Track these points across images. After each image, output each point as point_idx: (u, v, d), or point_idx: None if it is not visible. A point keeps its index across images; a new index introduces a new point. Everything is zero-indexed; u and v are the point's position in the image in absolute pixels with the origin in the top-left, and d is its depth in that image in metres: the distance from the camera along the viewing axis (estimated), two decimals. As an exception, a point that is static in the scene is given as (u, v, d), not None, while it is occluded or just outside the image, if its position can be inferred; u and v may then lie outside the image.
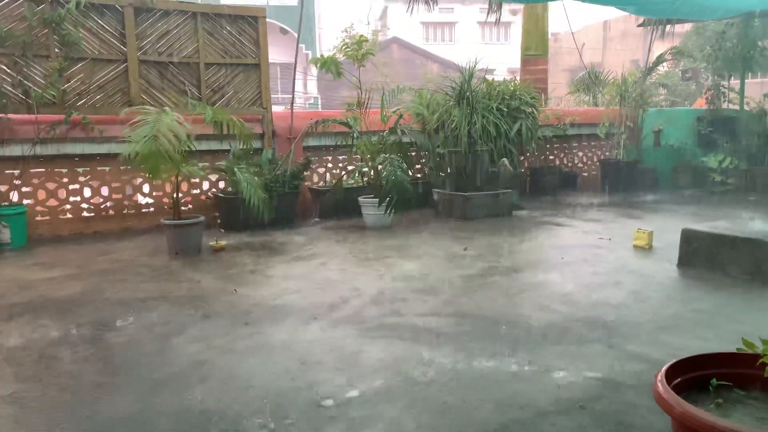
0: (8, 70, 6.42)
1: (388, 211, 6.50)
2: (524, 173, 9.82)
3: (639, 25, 12.32)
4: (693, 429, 1.69)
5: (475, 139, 7.62)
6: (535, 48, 11.07)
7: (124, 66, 6.93)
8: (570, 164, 10.93)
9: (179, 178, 6.10)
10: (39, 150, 6.63)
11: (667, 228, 6.34)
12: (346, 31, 21.52)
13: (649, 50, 11.95)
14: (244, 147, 6.93)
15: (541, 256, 5.73)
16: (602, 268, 5.10)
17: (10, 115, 6.43)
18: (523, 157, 9.76)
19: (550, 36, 11.72)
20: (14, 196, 6.67)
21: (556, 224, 7.22)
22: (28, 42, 6.42)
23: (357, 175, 7.83)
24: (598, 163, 10.91)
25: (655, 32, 10.87)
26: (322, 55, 7.91)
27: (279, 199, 7.05)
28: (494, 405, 2.71)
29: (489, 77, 9.07)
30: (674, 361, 2.02)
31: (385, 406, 2.72)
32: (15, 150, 6.53)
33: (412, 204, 7.36)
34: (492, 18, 8.76)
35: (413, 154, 8.61)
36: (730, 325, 3.70)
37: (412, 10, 9.50)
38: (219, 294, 4.55)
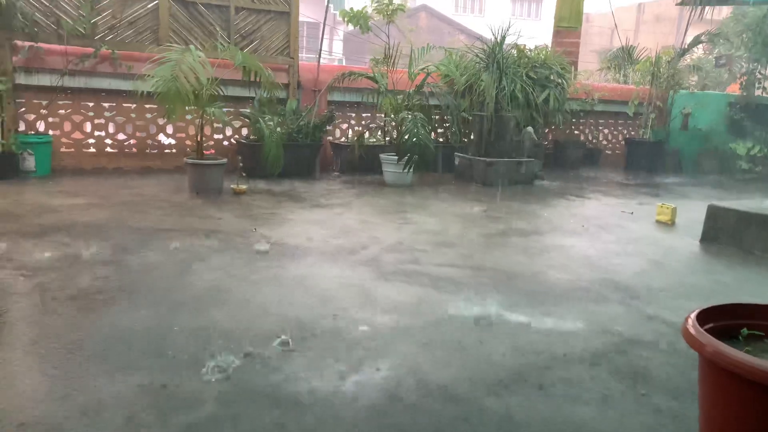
0: (42, 0, 6.39)
1: (407, 169, 6.46)
2: (548, 144, 9.70)
3: (678, 4, 11.96)
4: (724, 369, 1.67)
5: (501, 105, 7.51)
6: (569, 20, 10.79)
7: (155, 3, 6.88)
8: (594, 140, 10.77)
9: (203, 120, 6.09)
10: (67, 81, 6.63)
11: (690, 208, 6.25)
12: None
13: (685, 33, 11.62)
14: (269, 95, 6.88)
15: (561, 223, 5.68)
16: (624, 238, 5.06)
17: (41, 44, 6.42)
18: (548, 129, 9.63)
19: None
20: (41, 126, 6.70)
21: (577, 196, 7.15)
22: (62, -30, 6.37)
23: (379, 132, 7.77)
24: (623, 142, 10.74)
25: (693, 13, 10.56)
26: (351, 8, 7.78)
27: (301, 150, 7.02)
28: (509, 349, 2.71)
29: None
30: (706, 306, 1.99)
31: (401, 341, 2.73)
32: (44, 80, 6.54)
33: (433, 166, 7.31)
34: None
35: (437, 117, 8.52)
36: (752, 299, 3.65)
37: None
38: (239, 231, 4.57)
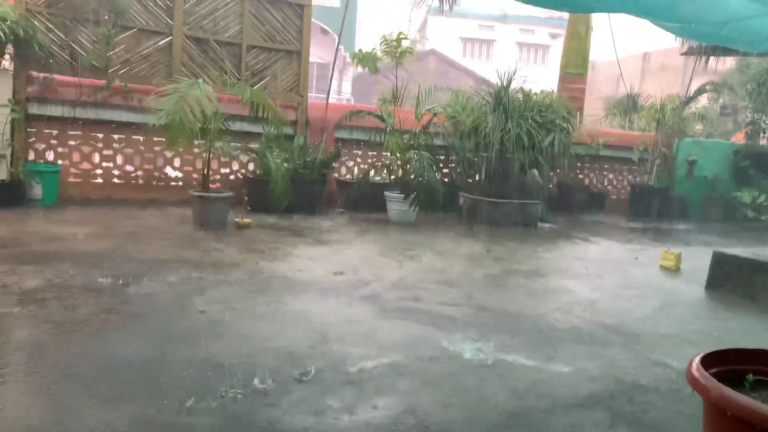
0: (57, 32, 6.56)
1: (412, 207, 6.47)
2: (552, 187, 9.73)
3: (683, 54, 12.16)
4: (729, 414, 1.63)
5: (507, 147, 7.56)
6: (575, 66, 10.98)
7: (168, 39, 7.05)
8: (599, 185, 10.80)
9: (210, 154, 6.15)
10: (79, 113, 6.74)
11: (695, 254, 6.20)
12: (385, 37, 21.66)
13: (690, 82, 11.80)
14: (277, 131, 6.96)
15: (565, 266, 5.64)
16: (628, 283, 5.00)
17: (55, 75, 6.55)
18: (552, 173, 9.67)
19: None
20: (50, 155, 6.78)
21: (581, 239, 7.12)
22: (80, 6, 6.55)
23: (385, 171, 7.82)
24: (628, 187, 10.76)
25: (697, 63, 10.72)
26: (360, 50, 7.94)
27: (306, 186, 7.06)
28: (510, 391, 2.65)
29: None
30: (711, 350, 1.95)
31: (400, 379, 2.68)
32: (56, 110, 6.65)
33: (438, 205, 7.32)
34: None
35: (442, 157, 8.58)
36: (758, 345, 3.58)
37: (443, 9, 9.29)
38: (241, 264, 4.56)
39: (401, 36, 7.84)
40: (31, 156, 6.64)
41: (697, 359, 1.89)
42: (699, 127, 14.00)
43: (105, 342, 2.84)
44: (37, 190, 6.33)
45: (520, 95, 8.08)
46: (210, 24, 7.24)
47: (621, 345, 3.38)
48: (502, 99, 7.49)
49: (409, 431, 2.22)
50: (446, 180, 8.91)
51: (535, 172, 7.87)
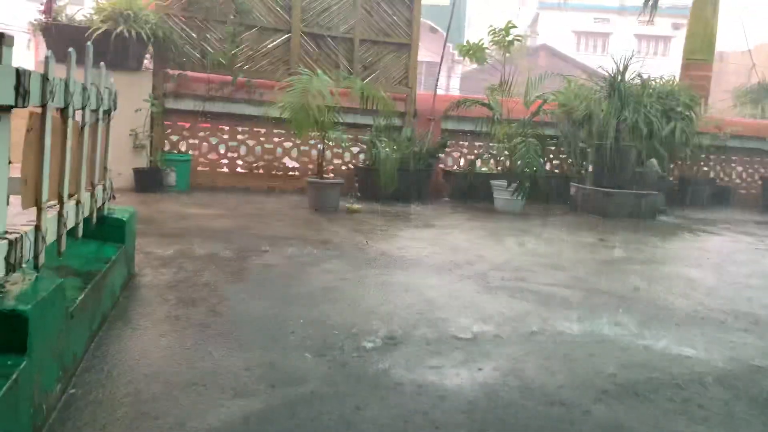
0: (190, 32, 7.19)
1: (516, 195, 6.41)
2: (673, 180, 9.17)
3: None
4: None
5: (622, 135, 7.25)
6: (700, 52, 10.26)
7: (287, 36, 7.49)
8: (726, 178, 10.01)
9: (324, 144, 6.47)
10: (207, 106, 7.34)
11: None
12: (493, 27, 21.41)
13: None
14: (386, 123, 7.17)
15: (685, 255, 5.33)
16: (755, 271, 4.65)
17: (188, 72, 7.19)
18: (673, 164, 9.11)
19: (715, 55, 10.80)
20: (183, 146, 7.45)
21: (704, 231, 6.68)
22: (211, 8, 7.14)
23: (491, 161, 7.79)
24: (759, 180, 9.89)
25: None
26: (468, 41, 7.96)
27: (413, 175, 7.21)
28: (621, 365, 2.59)
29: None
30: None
31: (506, 347, 2.71)
32: (188, 104, 7.30)
33: (546, 194, 7.18)
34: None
35: (553, 147, 8.40)
36: None
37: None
38: (351, 242, 4.78)
39: (510, 25, 7.76)
40: (167, 146, 7.33)
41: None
42: None
43: (233, 301, 3.13)
44: (171, 178, 6.98)
45: (637, 80, 7.71)
46: (325, 20, 7.60)
47: (744, 330, 3.18)
48: (618, 85, 7.19)
49: (513, 392, 2.26)
50: (557, 171, 8.70)
51: (654, 161, 7.48)
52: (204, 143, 7.55)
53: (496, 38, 7.79)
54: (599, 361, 2.62)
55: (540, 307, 3.36)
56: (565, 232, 6.05)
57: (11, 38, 1.67)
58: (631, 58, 7.41)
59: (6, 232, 1.77)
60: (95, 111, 2.83)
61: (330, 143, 7.35)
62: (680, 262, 4.95)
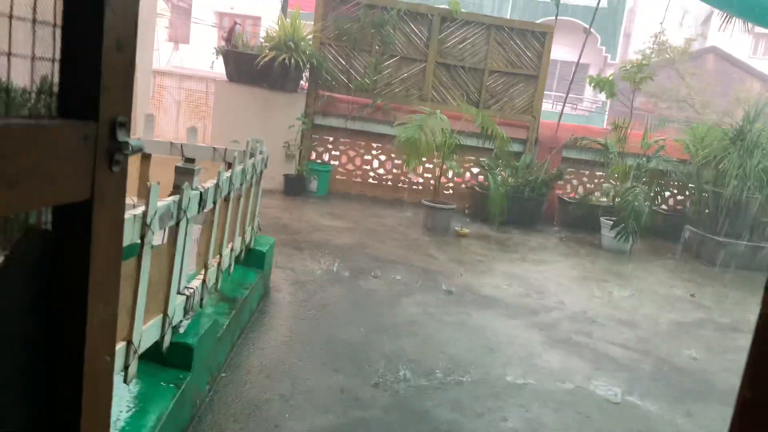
0: (340, 59, 8.26)
1: (619, 238, 6.70)
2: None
3: None
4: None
5: (747, 184, 7.12)
6: None
7: (423, 65, 8.28)
8: None
9: (443, 168, 7.23)
10: (349, 124, 8.41)
11: None
12: (656, 36, 20.34)
13: None
14: (506, 149, 7.72)
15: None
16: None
17: (335, 95, 8.29)
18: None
19: None
20: (325, 157, 8.62)
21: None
22: (358, 39, 8.14)
23: (605, 195, 8.02)
24: None
25: None
26: (598, 74, 8.16)
27: (525, 203, 7.72)
28: (627, 430, 3.13)
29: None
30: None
31: (536, 402, 3.36)
32: (333, 122, 8.42)
33: (662, 231, 7.30)
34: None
35: (675, 183, 8.37)
36: None
37: (725, 28, 8.97)
38: (448, 272, 5.53)
39: (643, 63, 7.85)
40: (313, 155, 8.53)
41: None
42: None
43: (334, 323, 4.08)
44: (313, 185, 8.18)
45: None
46: (458, 52, 8.26)
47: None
48: (745, 134, 7.06)
49: (524, 443, 2.94)
50: (678, 207, 8.64)
51: (781, 213, 7.24)
52: (343, 156, 8.66)
53: (628, 75, 7.92)
54: (610, 425, 3.18)
55: (586, 367, 3.90)
56: (660, 281, 6.27)
57: (196, 169, 2.67)
58: (765, 106, 7.19)
59: (186, 288, 2.82)
60: (251, 178, 3.88)
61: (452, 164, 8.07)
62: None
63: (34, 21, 0.88)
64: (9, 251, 1.01)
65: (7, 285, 0.99)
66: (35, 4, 0.87)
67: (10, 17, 0.85)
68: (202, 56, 14.60)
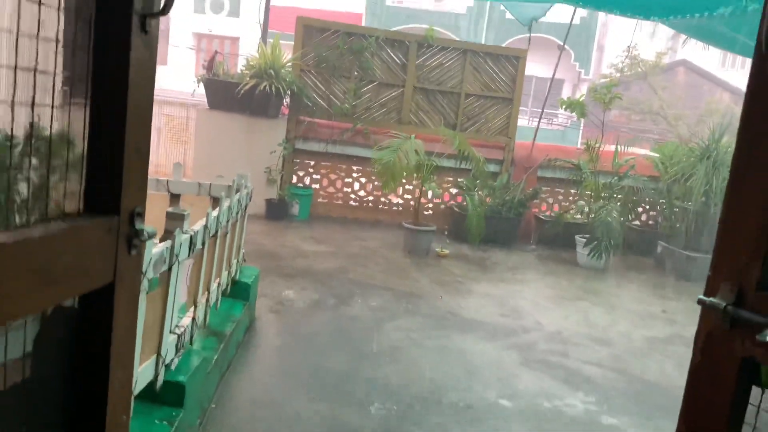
0: (320, 86, 8.44)
1: (592, 255, 6.94)
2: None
3: None
4: None
5: (714, 201, 7.43)
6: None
7: (401, 90, 8.50)
8: None
9: (421, 191, 7.41)
10: (329, 148, 8.58)
11: None
12: (627, 51, 20.93)
13: None
14: (483, 170, 7.95)
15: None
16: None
17: (316, 120, 8.46)
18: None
19: None
20: (306, 180, 8.76)
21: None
22: (337, 65, 8.33)
23: (580, 212, 8.28)
24: None
25: None
26: (568, 97, 8.45)
27: (502, 222, 7.94)
28: (605, 453, 3.30)
29: None
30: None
31: (514, 423, 3.52)
32: (314, 146, 8.58)
33: (636, 247, 7.56)
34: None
35: (647, 200, 8.66)
36: None
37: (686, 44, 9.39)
38: (429, 295, 5.70)
39: (611, 83, 8.16)
40: (294, 179, 8.67)
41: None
42: None
43: (318, 352, 4.20)
44: (295, 209, 8.31)
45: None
46: (435, 76, 8.50)
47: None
48: (710, 152, 7.39)
49: (504, 465, 3.10)
50: (651, 222, 8.94)
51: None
52: (324, 179, 8.81)
53: (597, 95, 8.22)
54: (586, 448, 3.35)
55: (561, 387, 4.08)
56: (634, 297, 6.51)
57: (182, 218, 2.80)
58: (728, 126, 7.53)
59: (176, 326, 2.94)
60: (237, 213, 4.01)
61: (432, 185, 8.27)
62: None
63: (68, 142, 1.03)
64: (39, 328, 1.15)
65: (38, 357, 1.13)
66: (68, 123, 1.02)
67: (50, 141, 1.00)
68: (180, 79, 14.75)
